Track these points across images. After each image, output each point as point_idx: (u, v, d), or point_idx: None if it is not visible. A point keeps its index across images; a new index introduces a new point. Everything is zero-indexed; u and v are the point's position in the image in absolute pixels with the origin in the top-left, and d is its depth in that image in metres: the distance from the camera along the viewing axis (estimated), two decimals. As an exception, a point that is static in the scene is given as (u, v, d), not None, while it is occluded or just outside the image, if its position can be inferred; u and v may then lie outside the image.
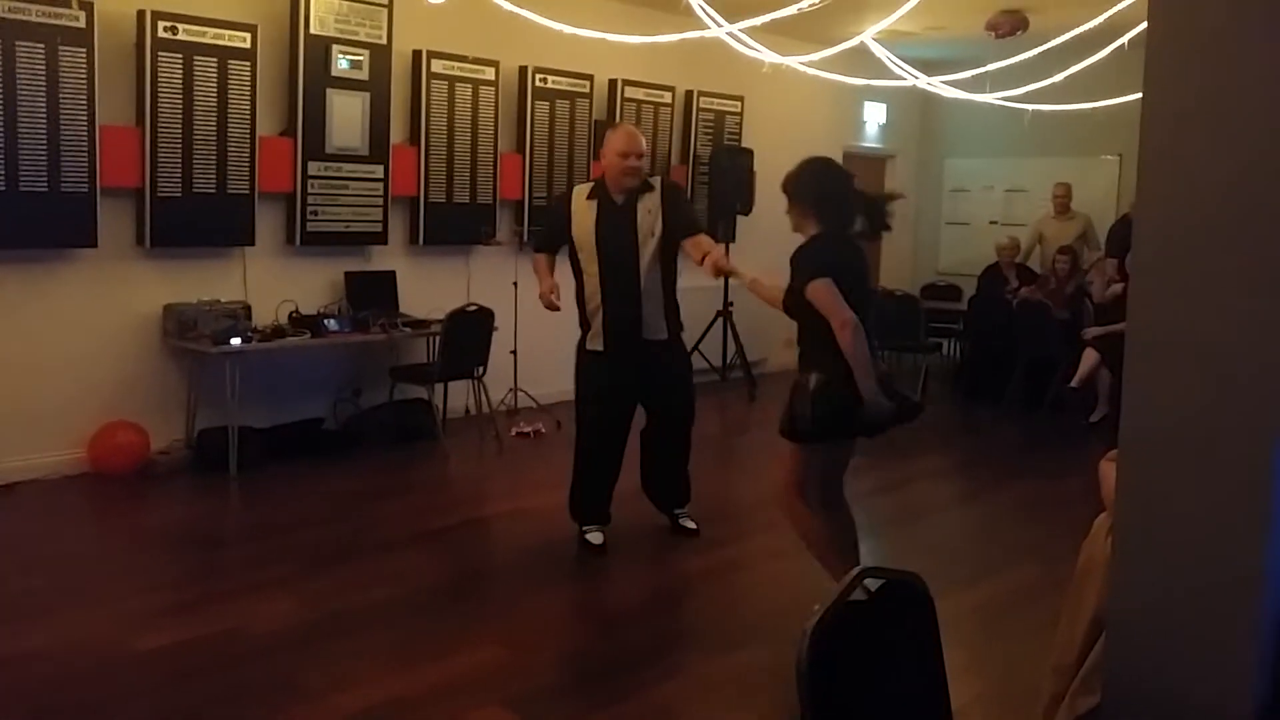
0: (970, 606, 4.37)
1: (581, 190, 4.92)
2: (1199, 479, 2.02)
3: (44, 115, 5.47)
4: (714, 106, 9.08)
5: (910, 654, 2.07)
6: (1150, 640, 2.10)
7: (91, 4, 5.55)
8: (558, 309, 4.81)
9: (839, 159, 10.66)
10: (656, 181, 4.93)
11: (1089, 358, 8.05)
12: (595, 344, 4.80)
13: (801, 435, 3.92)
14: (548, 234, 5.04)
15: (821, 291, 3.79)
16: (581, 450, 4.92)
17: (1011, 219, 10.69)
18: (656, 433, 5.06)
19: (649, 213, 4.77)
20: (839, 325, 3.73)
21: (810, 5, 5.49)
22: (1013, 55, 7.59)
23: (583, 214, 4.79)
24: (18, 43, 5.35)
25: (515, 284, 7.24)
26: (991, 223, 10.88)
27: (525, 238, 7.45)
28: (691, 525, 5.16)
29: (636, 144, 4.75)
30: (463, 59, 7.25)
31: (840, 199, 4.02)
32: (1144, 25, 2.10)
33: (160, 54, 5.84)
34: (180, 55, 5.91)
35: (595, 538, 4.93)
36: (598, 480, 4.93)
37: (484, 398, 6.99)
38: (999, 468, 7.16)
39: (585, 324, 4.86)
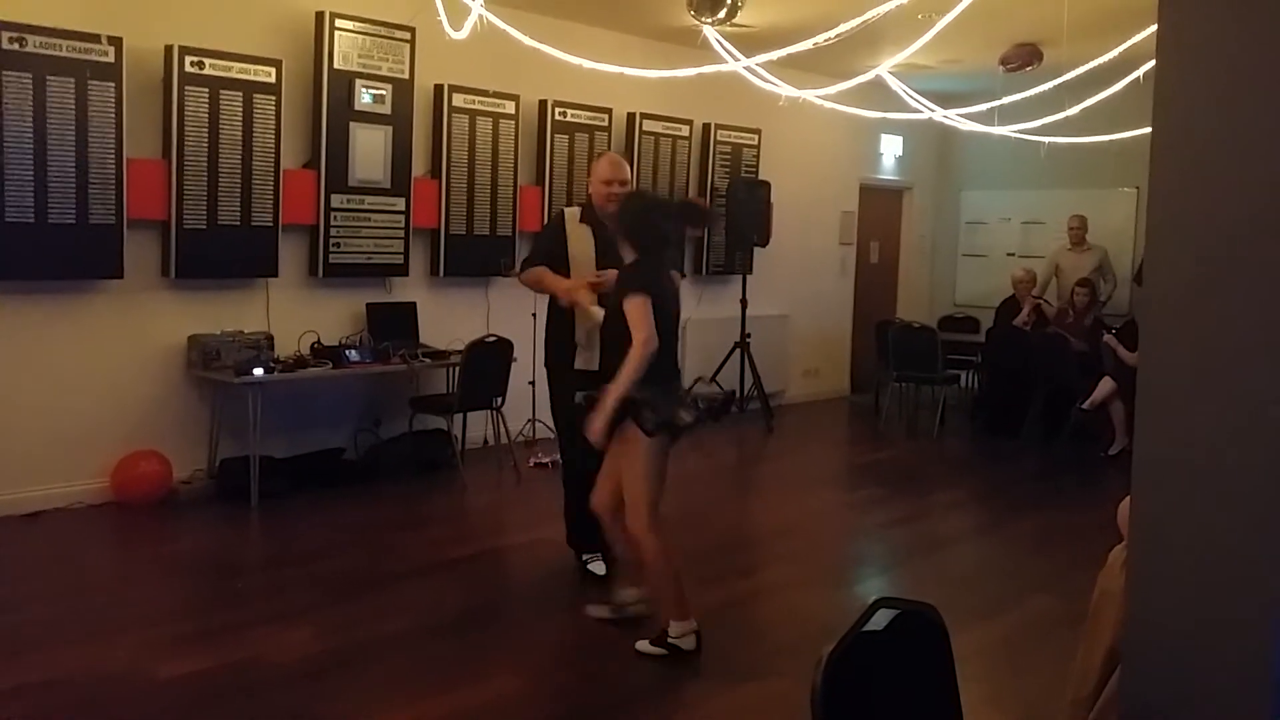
0: (988, 639, 4.36)
1: (573, 214, 5.00)
2: (1213, 509, 2.03)
3: (73, 148, 5.57)
4: (731, 139, 9.16)
5: (925, 685, 2.08)
6: (1166, 671, 2.10)
7: (120, 39, 5.66)
8: (599, 286, 4.63)
9: (855, 191, 10.94)
10: None
11: (1105, 385, 8.06)
12: (590, 364, 4.71)
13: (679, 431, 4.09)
14: (543, 253, 4.97)
15: (637, 307, 3.96)
16: (575, 475, 4.84)
17: (1029, 251, 10.70)
18: None
19: None
20: (641, 344, 3.92)
21: (826, 40, 5.55)
22: (1029, 88, 7.65)
23: (579, 237, 4.86)
24: (48, 77, 5.46)
25: (534, 315, 7.27)
26: (1009, 255, 10.89)
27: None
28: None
29: (620, 172, 4.87)
30: (483, 93, 7.34)
31: (650, 231, 4.18)
32: (1156, 60, 2.13)
33: (187, 88, 5.95)
34: (206, 89, 6.01)
35: (598, 568, 4.94)
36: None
37: (502, 428, 7.03)
38: (1016, 499, 7.13)
39: (566, 343, 4.83)
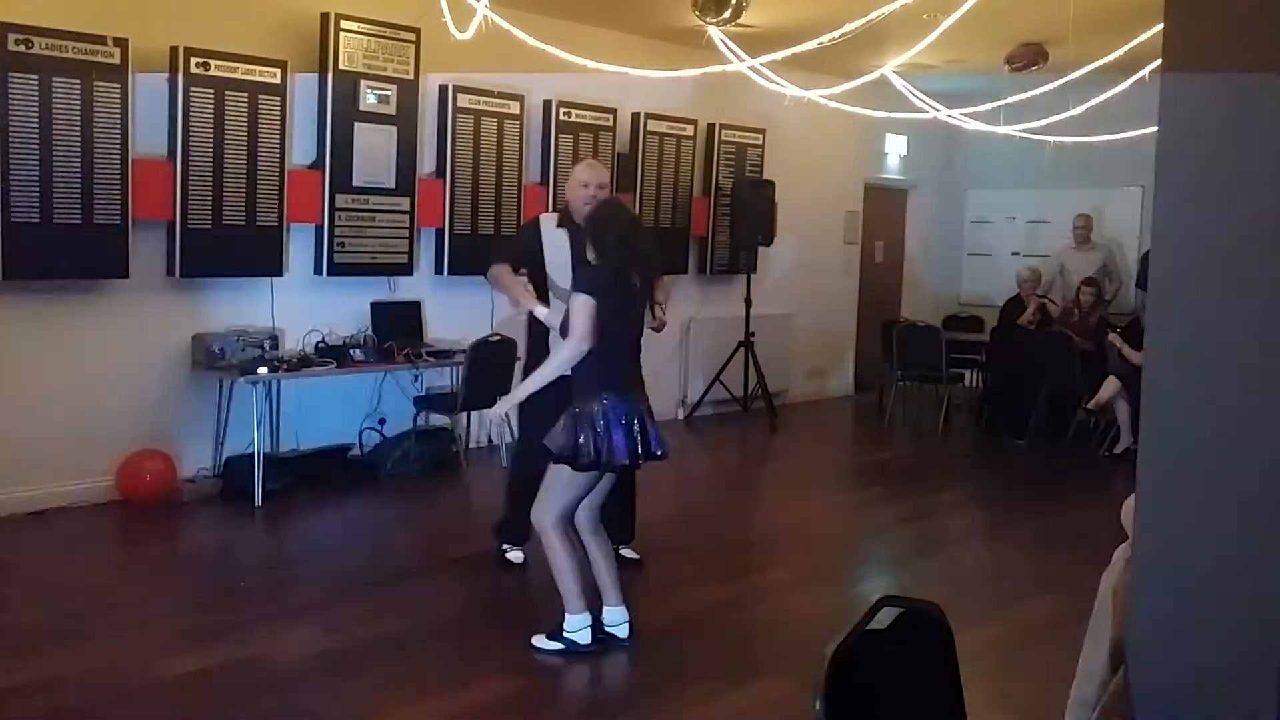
0: (991, 638, 4.36)
1: (550, 219, 5.00)
2: (1218, 505, 2.03)
3: (79, 149, 5.57)
4: (736, 139, 9.15)
5: (929, 684, 2.08)
6: (1170, 670, 2.10)
7: (126, 41, 5.66)
8: (532, 303, 4.77)
9: (860, 191, 10.90)
10: None
11: (1111, 384, 8.05)
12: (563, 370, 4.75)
13: (585, 464, 3.95)
14: (512, 254, 5.02)
15: (579, 305, 3.91)
16: (527, 474, 4.77)
17: (1034, 250, 10.67)
18: None
19: None
20: (575, 339, 3.89)
21: (831, 40, 5.55)
22: (1034, 88, 7.63)
23: (556, 242, 4.85)
24: (55, 78, 5.46)
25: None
26: (1014, 254, 10.87)
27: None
28: (635, 555, 5.13)
29: (598, 175, 4.91)
30: (488, 93, 7.34)
31: (610, 237, 4.09)
32: (1162, 59, 2.13)
33: (192, 89, 5.95)
34: (212, 90, 6.02)
35: (517, 555, 5.10)
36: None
37: (507, 427, 7.03)
38: (1020, 499, 7.13)
39: (535, 353, 4.84)
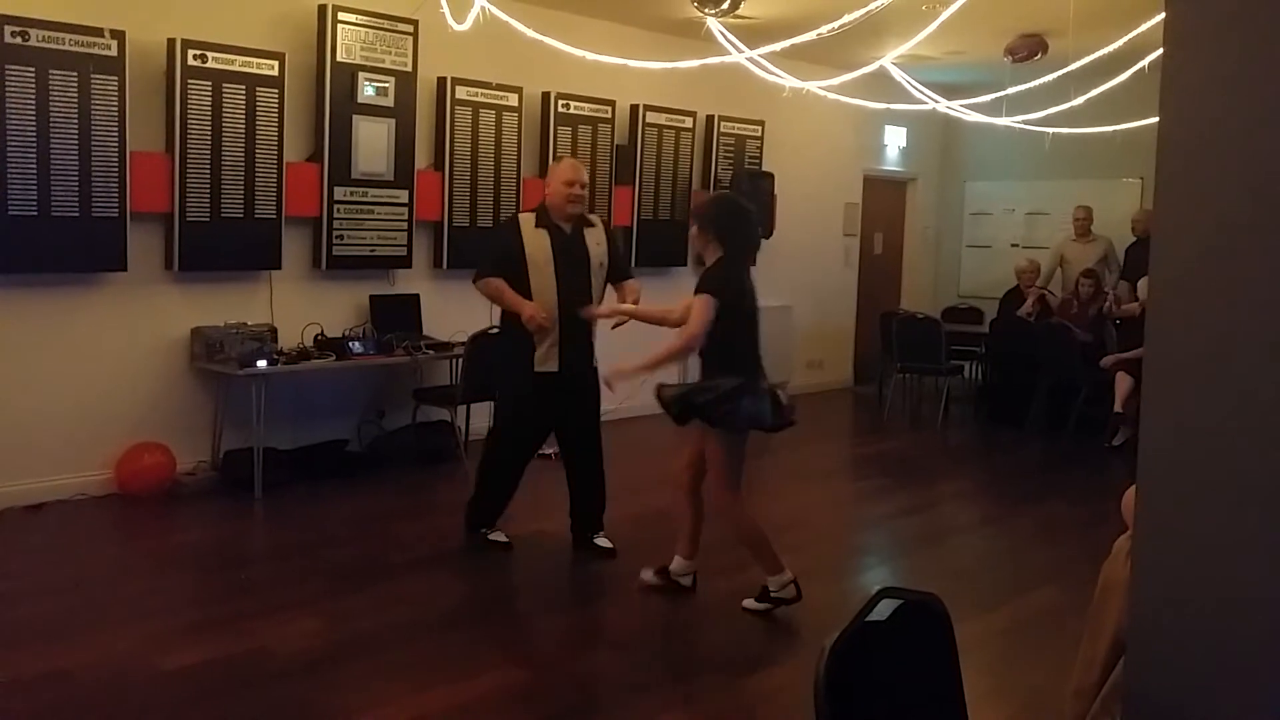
0: (992, 629, 4.37)
1: (528, 218, 5.05)
2: (1219, 497, 2.03)
3: (76, 142, 5.57)
4: (735, 131, 9.14)
5: (929, 675, 2.08)
6: (1170, 661, 2.10)
7: (123, 33, 5.65)
8: (547, 327, 4.92)
9: (859, 182, 10.92)
10: (597, 219, 5.21)
11: (1123, 381, 8.00)
12: (549, 365, 4.95)
13: (735, 427, 4.39)
14: (500, 260, 5.01)
15: (699, 304, 4.28)
16: (502, 461, 5.19)
17: (1033, 242, 10.68)
18: (581, 458, 5.23)
19: (598, 245, 5.05)
20: (689, 334, 4.30)
21: (830, 31, 5.54)
22: (1033, 79, 7.63)
23: (536, 242, 4.94)
24: (51, 71, 5.45)
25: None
26: (1013, 245, 10.87)
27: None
28: (609, 545, 5.22)
29: (581, 175, 5.05)
30: (486, 85, 7.33)
31: (739, 231, 4.49)
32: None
33: (190, 81, 5.94)
34: (209, 83, 6.01)
35: (500, 536, 5.24)
36: (510, 490, 5.20)
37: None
38: (1020, 491, 7.13)
39: (527, 345, 4.98)
